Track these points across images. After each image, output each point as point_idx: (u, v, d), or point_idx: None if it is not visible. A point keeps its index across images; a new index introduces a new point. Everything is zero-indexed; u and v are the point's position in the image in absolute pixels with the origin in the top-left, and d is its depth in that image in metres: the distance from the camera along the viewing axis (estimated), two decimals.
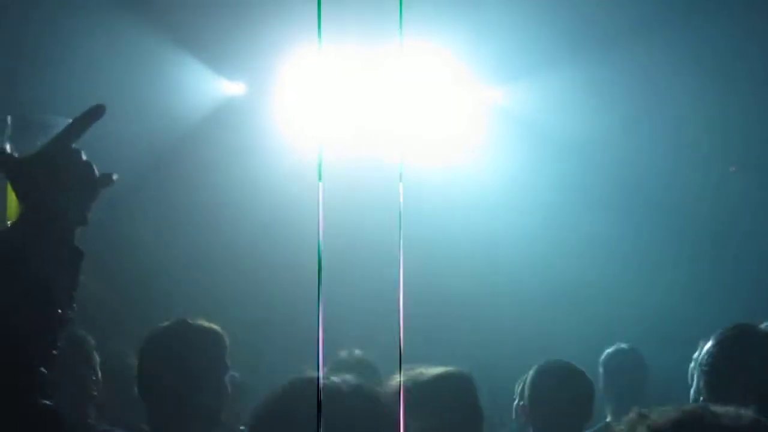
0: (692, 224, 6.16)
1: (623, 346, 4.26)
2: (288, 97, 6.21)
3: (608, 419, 4.09)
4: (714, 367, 2.05)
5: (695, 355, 2.29)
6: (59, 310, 1.32)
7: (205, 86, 6.22)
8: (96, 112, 1.41)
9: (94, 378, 3.24)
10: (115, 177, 1.43)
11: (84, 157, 1.39)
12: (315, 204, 1.31)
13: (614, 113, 6.27)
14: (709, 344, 2.13)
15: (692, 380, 2.23)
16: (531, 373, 3.09)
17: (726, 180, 6.39)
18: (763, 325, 2.28)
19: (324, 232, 1.29)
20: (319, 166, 1.39)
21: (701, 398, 2.06)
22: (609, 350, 4.25)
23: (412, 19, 1.63)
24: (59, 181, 1.34)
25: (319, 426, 1.23)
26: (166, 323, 2.61)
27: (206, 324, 2.60)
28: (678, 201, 6.24)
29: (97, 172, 1.40)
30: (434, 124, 6.38)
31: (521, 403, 3.05)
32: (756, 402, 1.94)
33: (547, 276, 6.13)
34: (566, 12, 5.84)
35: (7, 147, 1.37)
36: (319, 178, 1.37)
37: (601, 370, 4.15)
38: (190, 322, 2.58)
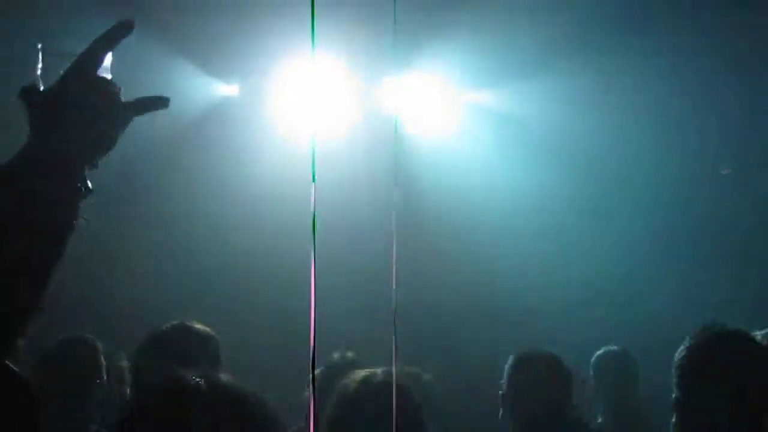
0: (681, 225, 6.20)
1: (613, 347, 4.28)
2: (281, 99, 6.23)
3: (599, 420, 4.11)
4: (683, 368, 2.09)
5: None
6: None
7: (199, 88, 6.23)
8: (122, 30, 1.21)
9: (100, 385, 3.24)
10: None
11: (110, 86, 1.22)
12: (308, 205, 1.32)
13: (601, 115, 6.31)
14: (682, 345, 2.16)
15: None
16: (509, 361, 3.08)
17: (715, 182, 6.45)
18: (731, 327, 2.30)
19: (317, 233, 1.30)
20: (313, 167, 1.40)
21: (675, 397, 2.09)
22: (599, 352, 4.27)
23: (405, 22, 1.64)
24: (76, 112, 1.16)
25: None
26: (164, 325, 2.61)
27: (203, 327, 2.60)
28: (665, 202, 6.28)
29: (122, 103, 1.24)
30: (423, 126, 6.43)
31: (500, 392, 3.05)
32: (727, 402, 1.97)
33: (535, 277, 6.15)
34: (552, 15, 5.87)
35: (38, 82, 1.20)
36: (313, 179, 1.38)
37: (591, 372, 4.17)
38: (188, 324, 2.59)
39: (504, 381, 3.05)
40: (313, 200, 1.32)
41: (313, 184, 1.34)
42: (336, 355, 3.55)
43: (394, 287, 1.43)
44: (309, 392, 1.35)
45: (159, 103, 1.28)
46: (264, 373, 3.03)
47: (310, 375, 1.37)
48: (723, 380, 2.00)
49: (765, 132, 6.27)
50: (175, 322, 2.60)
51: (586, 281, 6.02)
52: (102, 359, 3.27)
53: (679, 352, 2.15)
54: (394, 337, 1.43)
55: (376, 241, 4.84)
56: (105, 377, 3.28)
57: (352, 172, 5.85)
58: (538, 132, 6.33)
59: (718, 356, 2.07)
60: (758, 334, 2.77)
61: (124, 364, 3.66)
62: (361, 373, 2.22)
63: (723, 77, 6.07)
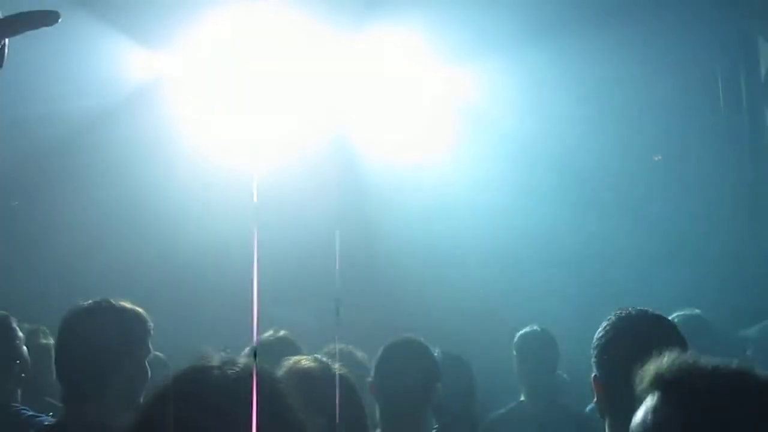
0: (640, 216, 6.36)
1: (536, 327, 4.39)
2: (226, 78, 6.06)
3: (522, 399, 4.23)
4: (598, 347, 2.21)
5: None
6: None
7: (136, 62, 6.05)
8: (49, 18, 1.18)
9: (19, 362, 3.17)
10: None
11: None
12: (252, 184, 1.33)
13: (567, 104, 6.40)
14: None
15: None
16: (379, 351, 3.15)
17: (668, 168, 6.63)
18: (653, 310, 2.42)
19: (260, 211, 1.32)
20: (258, 149, 1.42)
21: (594, 375, 2.20)
22: (521, 332, 4.38)
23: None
24: None
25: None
26: (88, 302, 2.57)
27: (128, 305, 2.58)
28: (627, 193, 6.43)
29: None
30: (384, 108, 6.39)
31: (369, 380, 3.12)
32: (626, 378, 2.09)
33: (489, 263, 6.21)
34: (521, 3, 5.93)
35: None
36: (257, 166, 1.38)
37: (514, 351, 4.28)
38: (112, 302, 2.56)
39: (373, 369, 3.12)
40: (254, 181, 1.33)
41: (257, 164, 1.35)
42: (268, 333, 3.57)
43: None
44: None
45: (50, 18, 1.19)
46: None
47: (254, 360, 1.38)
48: (622, 357, 2.11)
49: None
50: (101, 299, 2.56)
51: (542, 264, 6.11)
52: (18, 337, 3.19)
53: (597, 332, 2.27)
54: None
55: (326, 216, 4.88)
56: (25, 354, 3.21)
57: (302, 150, 5.80)
58: (499, 119, 6.38)
59: (619, 335, 2.18)
60: (675, 316, 2.91)
61: (48, 341, 3.60)
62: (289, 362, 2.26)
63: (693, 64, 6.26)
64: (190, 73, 6.24)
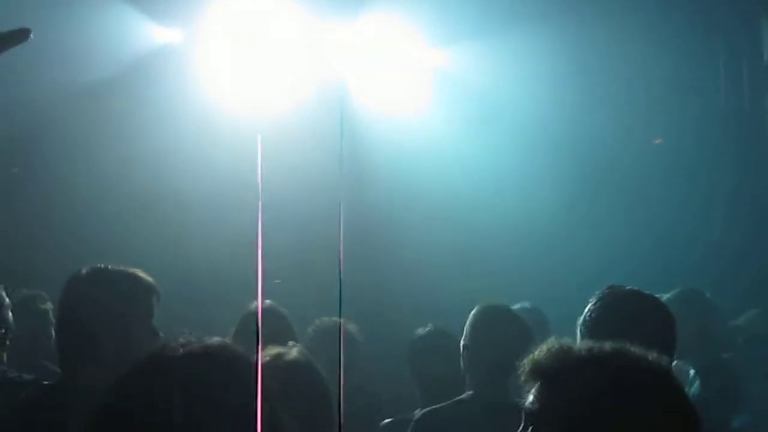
0: (623, 190, 6.38)
1: (526, 304, 4.41)
2: (223, 48, 6.06)
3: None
4: (584, 324, 2.24)
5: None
6: None
7: (137, 31, 6.03)
8: (20, 36, 1.25)
9: (3, 327, 3.18)
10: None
11: None
12: (253, 157, 1.35)
13: (563, 86, 6.39)
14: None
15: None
16: (471, 315, 3.20)
17: (666, 151, 6.65)
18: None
19: (264, 181, 1.34)
20: (259, 123, 1.44)
21: None
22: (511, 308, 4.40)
23: None
24: None
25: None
26: (89, 267, 2.59)
27: (128, 270, 2.59)
28: (613, 167, 6.43)
29: None
30: (374, 82, 6.41)
31: (463, 342, 3.18)
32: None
33: (487, 246, 6.23)
34: None
35: None
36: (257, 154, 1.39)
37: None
38: (111, 267, 2.58)
39: (465, 332, 3.16)
40: (258, 152, 1.35)
41: (258, 136, 1.37)
42: (254, 305, 3.59)
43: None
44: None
45: (20, 36, 1.26)
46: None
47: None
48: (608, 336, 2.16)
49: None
50: (104, 265, 2.58)
51: (532, 247, 6.15)
52: (4, 299, 3.18)
53: (585, 310, 2.31)
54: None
55: (319, 195, 4.91)
56: (9, 318, 3.20)
57: (299, 125, 5.80)
58: (493, 97, 6.38)
59: (605, 313, 2.22)
60: (664, 296, 2.95)
61: (47, 306, 3.63)
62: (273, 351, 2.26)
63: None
64: (191, 43, 6.23)
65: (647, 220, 6.28)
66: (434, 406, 3.19)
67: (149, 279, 2.58)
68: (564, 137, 6.36)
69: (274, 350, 2.26)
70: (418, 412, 3.32)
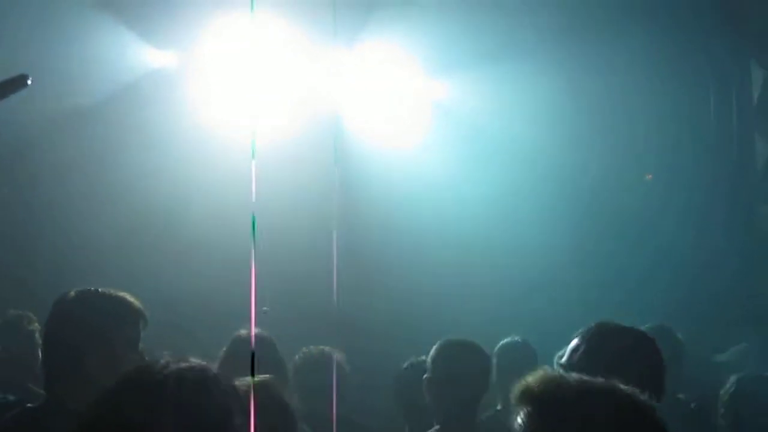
0: (618, 223, 6.42)
1: (516, 338, 4.43)
2: (219, 71, 6.11)
3: (498, 408, 4.27)
4: (570, 364, 2.23)
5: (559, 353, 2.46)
6: None
7: (133, 55, 6.07)
8: (18, 83, 1.32)
9: None
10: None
11: None
12: (248, 181, 1.36)
13: (550, 112, 6.46)
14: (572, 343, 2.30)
15: None
16: (433, 349, 3.20)
17: (657, 179, 6.72)
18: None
19: (257, 208, 1.35)
20: (253, 143, 1.45)
21: None
22: (502, 342, 4.42)
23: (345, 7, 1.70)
24: None
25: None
26: (76, 290, 2.58)
27: (115, 293, 2.58)
28: (608, 199, 6.48)
29: None
30: (369, 110, 6.46)
31: (425, 376, 3.16)
32: None
33: (478, 267, 6.25)
34: (506, 12, 5.99)
35: None
36: (253, 156, 1.42)
37: (494, 360, 4.32)
38: (99, 290, 2.57)
39: (428, 365, 3.16)
40: (252, 176, 1.36)
41: (252, 160, 1.38)
42: (243, 332, 3.58)
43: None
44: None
45: (19, 83, 1.32)
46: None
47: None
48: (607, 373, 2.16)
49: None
50: (92, 288, 2.57)
51: (527, 275, 6.16)
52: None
53: (570, 347, 2.30)
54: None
55: (315, 218, 4.91)
56: None
57: (294, 150, 5.84)
58: (489, 129, 6.44)
59: (603, 351, 2.21)
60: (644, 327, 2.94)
61: (34, 327, 3.61)
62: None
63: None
64: (188, 67, 6.28)
65: (641, 251, 6.33)
66: None
67: (137, 303, 2.57)
68: (557, 168, 6.43)
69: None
70: None
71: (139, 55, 6.10)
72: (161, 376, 1.35)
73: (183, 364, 1.38)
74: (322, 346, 3.90)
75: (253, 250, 1.32)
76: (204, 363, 1.42)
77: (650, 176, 6.78)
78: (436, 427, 3.11)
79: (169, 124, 6.03)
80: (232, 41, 5.97)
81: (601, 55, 6.35)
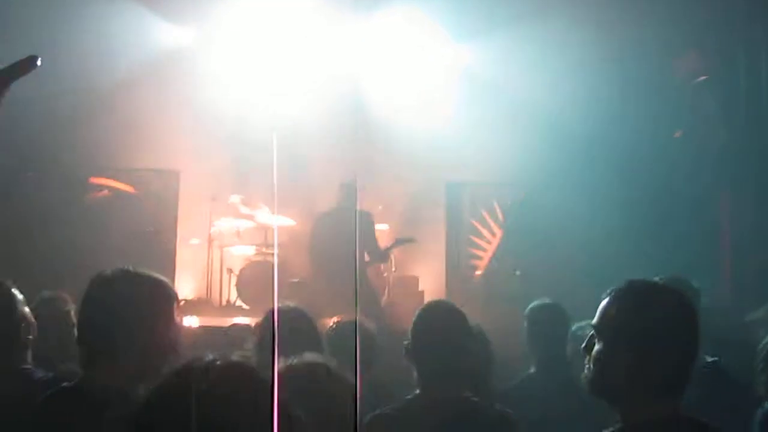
0: (645, 187, 6.38)
1: (546, 300, 4.41)
2: (237, 45, 6.11)
3: (531, 370, 4.27)
4: (602, 323, 2.20)
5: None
6: None
7: (151, 32, 6.08)
8: (28, 65, 1.32)
9: (24, 324, 3.22)
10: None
11: None
12: (269, 154, 1.36)
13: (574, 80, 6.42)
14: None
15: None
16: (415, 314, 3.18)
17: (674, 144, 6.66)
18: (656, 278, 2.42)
19: (277, 183, 1.35)
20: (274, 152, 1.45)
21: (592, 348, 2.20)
22: (532, 304, 4.40)
23: None
24: None
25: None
26: (111, 269, 2.61)
27: (151, 273, 2.61)
28: (632, 163, 6.44)
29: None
30: (398, 77, 6.46)
31: (405, 342, 3.14)
32: (639, 349, 2.10)
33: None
34: None
35: None
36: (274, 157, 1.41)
37: (525, 323, 4.31)
38: (133, 269, 2.59)
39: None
40: (274, 149, 1.35)
41: (273, 134, 1.38)
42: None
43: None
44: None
45: (29, 64, 1.33)
46: None
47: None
48: (626, 328, 2.13)
49: None
50: (126, 267, 2.60)
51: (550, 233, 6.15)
52: (18, 301, 3.22)
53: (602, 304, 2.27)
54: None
55: (335, 189, 4.89)
56: (31, 318, 3.24)
57: (313, 124, 5.85)
58: (496, 83, 6.41)
59: (623, 306, 2.18)
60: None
61: (69, 308, 3.67)
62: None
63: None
64: (208, 43, 6.29)
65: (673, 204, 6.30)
66: (380, 410, 3.07)
67: (169, 284, 2.60)
68: (586, 132, 6.39)
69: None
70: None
71: (156, 33, 6.12)
72: (210, 369, 1.41)
73: (227, 359, 1.45)
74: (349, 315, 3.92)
75: (275, 222, 1.32)
76: (244, 357, 1.48)
77: (679, 133, 6.71)
78: (416, 391, 3.08)
79: (191, 100, 6.07)
80: (251, 12, 5.96)
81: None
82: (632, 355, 2.10)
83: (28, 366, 3.18)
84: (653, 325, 2.12)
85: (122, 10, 5.71)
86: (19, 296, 3.23)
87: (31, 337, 3.22)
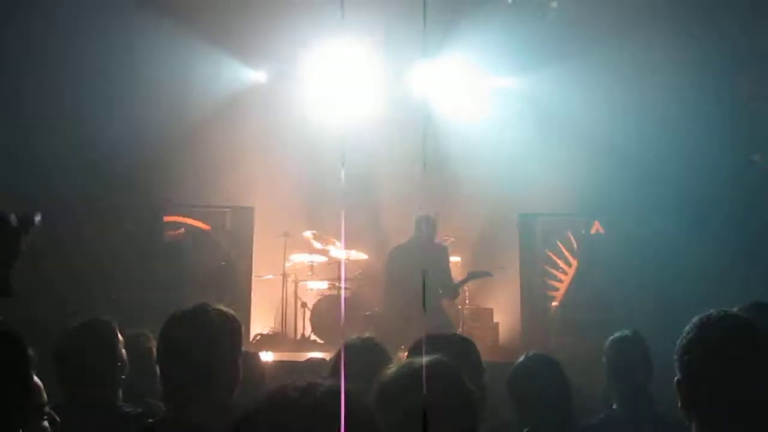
0: (706, 211, 6.26)
1: (626, 332, 4.30)
2: (309, 84, 6.30)
3: (614, 406, 4.15)
4: (680, 350, 2.14)
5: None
6: None
7: (228, 75, 6.30)
8: (29, 221, 1.48)
9: (119, 363, 3.34)
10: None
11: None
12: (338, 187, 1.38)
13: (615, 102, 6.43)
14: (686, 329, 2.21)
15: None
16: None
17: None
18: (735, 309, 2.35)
19: (351, 219, 1.36)
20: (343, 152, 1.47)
21: (677, 378, 2.14)
22: (612, 336, 4.29)
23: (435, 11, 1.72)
24: None
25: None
26: (187, 307, 2.68)
27: (223, 308, 2.67)
28: (709, 189, 6.33)
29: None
30: (454, 109, 6.63)
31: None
32: (729, 381, 2.03)
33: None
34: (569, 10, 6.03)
35: None
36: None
37: (605, 357, 4.20)
38: (209, 306, 2.66)
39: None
40: (342, 181, 1.37)
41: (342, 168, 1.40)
42: (354, 337, 3.61)
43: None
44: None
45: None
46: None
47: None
48: (703, 360, 2.06)
49: None
50: (201, 304, 2.66)
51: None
52: (119, 341, 3.36)
53: (681, 336, 2.21)
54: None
55: (401, 219, 4.95)
56: (124, 357, 3.37)
57: (382, 155, 5.97)
58: (557, 114, 6.49)
59: (709, 340, 2.12)
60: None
61: (150, 345, 3.77)
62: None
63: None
64: (282, 84, 6.50)
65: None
66: None
67: (235, 316, 2.67)
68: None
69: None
70: None
71: (231, 74, 6.32)
72: (301, 398, 1.41)
73: (316, 385, 1.44)
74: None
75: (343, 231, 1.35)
76: (331, 383, 1.47)
77: (757, 158, 6.55)
78: None
79: (267, 132, 6.28)
80: (325, 54, 6.15)
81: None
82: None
83: (119, 402, 3.29)
84: (738, 360, 2.06)
85: (199, 54, 5.91)
86: (120, 337, 3.36)
87: (124, 377, 3.34)
